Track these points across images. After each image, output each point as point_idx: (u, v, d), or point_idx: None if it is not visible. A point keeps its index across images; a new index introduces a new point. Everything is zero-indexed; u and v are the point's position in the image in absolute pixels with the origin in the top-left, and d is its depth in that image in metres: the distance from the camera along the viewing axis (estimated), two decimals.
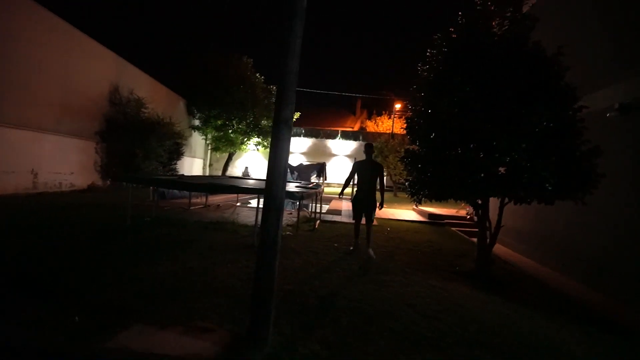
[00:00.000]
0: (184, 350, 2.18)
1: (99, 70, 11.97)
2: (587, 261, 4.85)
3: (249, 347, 2.27)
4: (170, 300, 2.95)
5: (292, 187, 6.49)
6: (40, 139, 9.51)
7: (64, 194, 9.67)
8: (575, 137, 3.93)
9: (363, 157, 5.46)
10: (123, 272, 3.54)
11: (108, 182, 12.29)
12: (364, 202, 5.27)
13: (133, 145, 12.34)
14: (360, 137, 26.52)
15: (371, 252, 5.09)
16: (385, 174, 5.50)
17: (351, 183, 5.87)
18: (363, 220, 5.37)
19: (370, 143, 5.62)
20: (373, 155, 5.52)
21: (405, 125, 5.09)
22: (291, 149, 2.65)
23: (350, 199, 5.53)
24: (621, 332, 3.23)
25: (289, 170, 9.39)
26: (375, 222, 6.11)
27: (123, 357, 2.07)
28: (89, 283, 3.19)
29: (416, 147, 4.96)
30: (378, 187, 5.33)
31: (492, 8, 4.49)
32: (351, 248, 5.32)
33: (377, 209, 5.33)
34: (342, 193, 5.76)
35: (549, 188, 3.87)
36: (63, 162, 10.33)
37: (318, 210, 8.16)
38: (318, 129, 26.98)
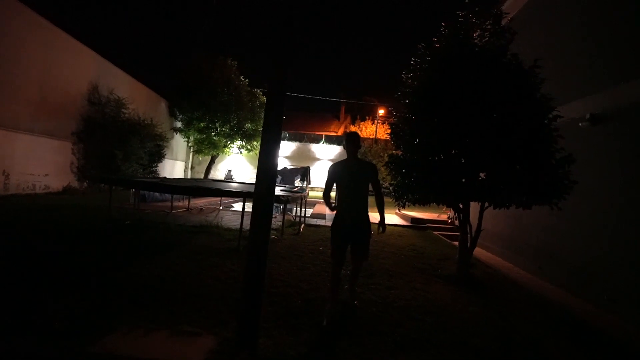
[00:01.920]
0: (171, 355, 2.15)
1: (78, 69, 11.59)
2: (564, 265, 5.07)
3: (237, 351, 2.26)
4: (156, 304, 2.90)
5: (277, 191, 6.48)
6: (12, 138, 9.11)
7: (38, 196, 9.28)
8: (550, 145, 4.13)
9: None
10: (105, 276, 3.45)
11: (85, 184, 11.89)
12: (349, 227, 3.15)
13: (112, 146, 12.00)
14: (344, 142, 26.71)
15: (355, 300, 3.35)
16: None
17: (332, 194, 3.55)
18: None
19: (355, 132, 3.41)
20: (359, 153, 3.45)
21: (389, 130, 5.19)
22: None
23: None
24: (596, 334, 3.40)
25: None
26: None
27: None
28: (71, 287, 3.08)
29: (400, 153, 5.05)
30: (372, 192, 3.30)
31: (473, 20, 4.67)
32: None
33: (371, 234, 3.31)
34: (330, 205, 3.35)
35: (525, 194, 4.05)
36: (37, 163, 9.92)
37: (302, 214, 8.18)
38: (302, 133, 27.00)
